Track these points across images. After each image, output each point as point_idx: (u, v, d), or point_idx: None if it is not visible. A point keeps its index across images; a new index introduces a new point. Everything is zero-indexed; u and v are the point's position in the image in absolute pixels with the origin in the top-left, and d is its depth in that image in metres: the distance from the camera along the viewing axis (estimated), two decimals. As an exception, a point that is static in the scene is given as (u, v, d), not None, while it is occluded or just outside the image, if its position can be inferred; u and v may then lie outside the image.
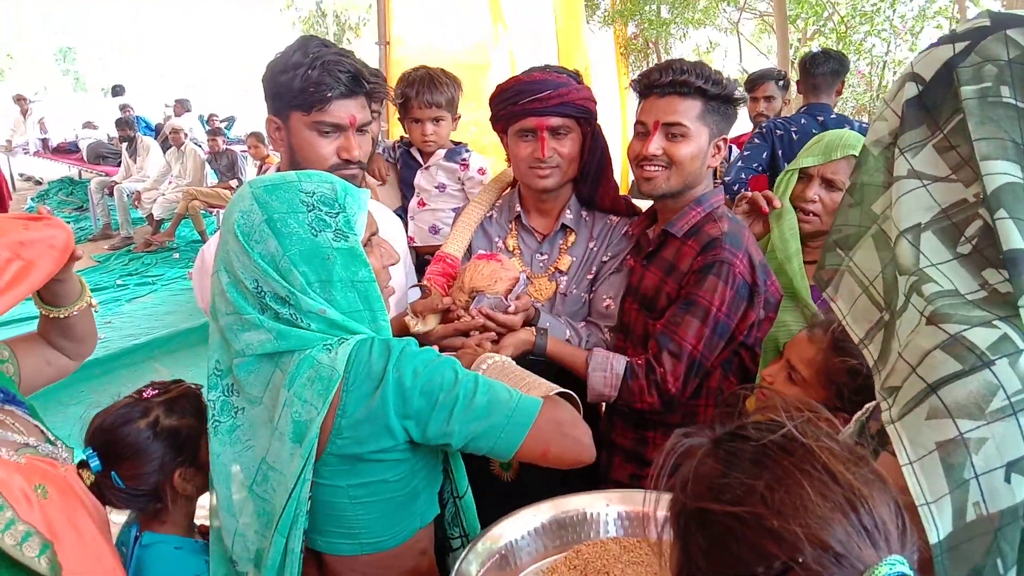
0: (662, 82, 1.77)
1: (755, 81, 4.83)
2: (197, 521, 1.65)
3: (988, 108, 0.87)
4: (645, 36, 10.51)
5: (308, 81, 1.59)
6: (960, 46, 0.92)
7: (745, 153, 3.72)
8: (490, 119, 2.02)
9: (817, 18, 9.25)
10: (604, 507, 1.48)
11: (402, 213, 2.52)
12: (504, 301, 1.81)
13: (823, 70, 3.90)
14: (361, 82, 1.66)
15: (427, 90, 2.40)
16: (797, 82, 4.11)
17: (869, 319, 1.04)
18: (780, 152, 3.72)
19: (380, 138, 2.77)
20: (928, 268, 0.92)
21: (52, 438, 1.41)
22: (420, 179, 2.49)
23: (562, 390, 1.41)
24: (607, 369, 1.78)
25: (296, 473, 1.21)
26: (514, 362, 1.60)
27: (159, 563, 1.50)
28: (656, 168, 1.81)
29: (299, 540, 1.24)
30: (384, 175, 2.55)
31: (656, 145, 1.79)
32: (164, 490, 1.50)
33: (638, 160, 1.83)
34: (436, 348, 1.39)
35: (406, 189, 2.55)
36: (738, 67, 10.78)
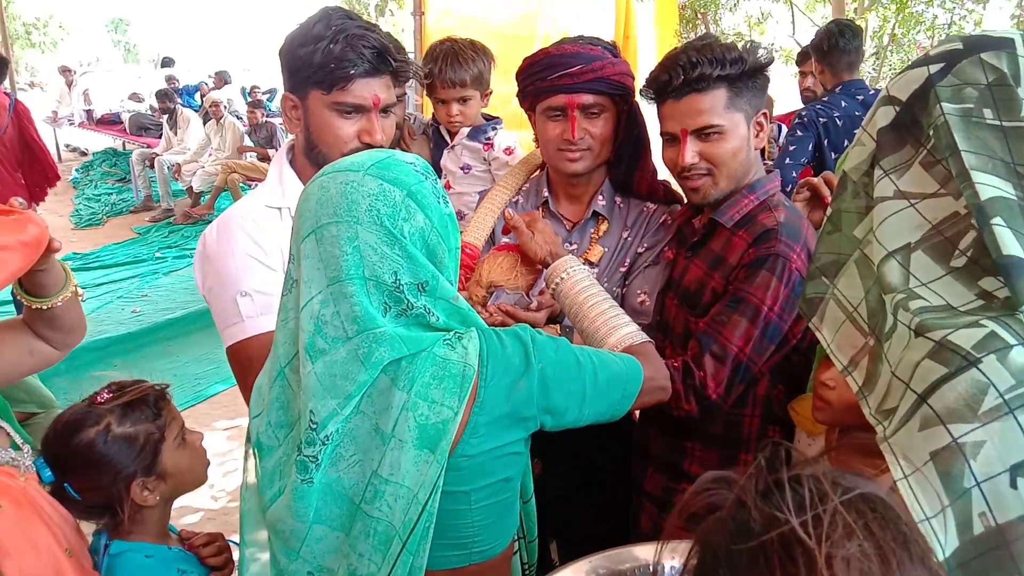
0: (675, 84, 1.58)
1: (806, 55, 4.51)
2: (182, 524, 1.54)
3: (973, 128, 0.87)
4: (694, 6, 10.15)
5: (329, 56, 1.46)
6: (936, 67, 0.92)
7: (791, 148, 3.48)
8: (516, 94, 1.85)
9: (876, -14, 8.81)
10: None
11: None
12: (525, 296, 1.66)
13: (856, 44, 3.65)
14: (387, 60, 1.52)
15: (450, 67, 2.23)
16: (816, 63, 3.79)
17: (853, 345, 1.02)
18: (826, 141, 3.50)
19: (414, 115, 2.61)
20: (917, 288, 0.90)
21: (19, 441, 1.33)
22: (446, 160, 2.33)
23: (640, 337, 1.49)
24: None
25: (431, 483, 1.08)
26: (591, 278, 1.59)
27: (128, 573, 1.41)
28: (699, 176, 1.62)
29: (426, 557, 1.12)
30: (409, 142, 2.40)
31: (691, 153, 1.60)
32: (122, 502, 1.39)
33: (677, 171, 1.65)
34: None
35: (436, 171, 2.40)
36: (791, 38, 10.36)
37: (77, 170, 11.62)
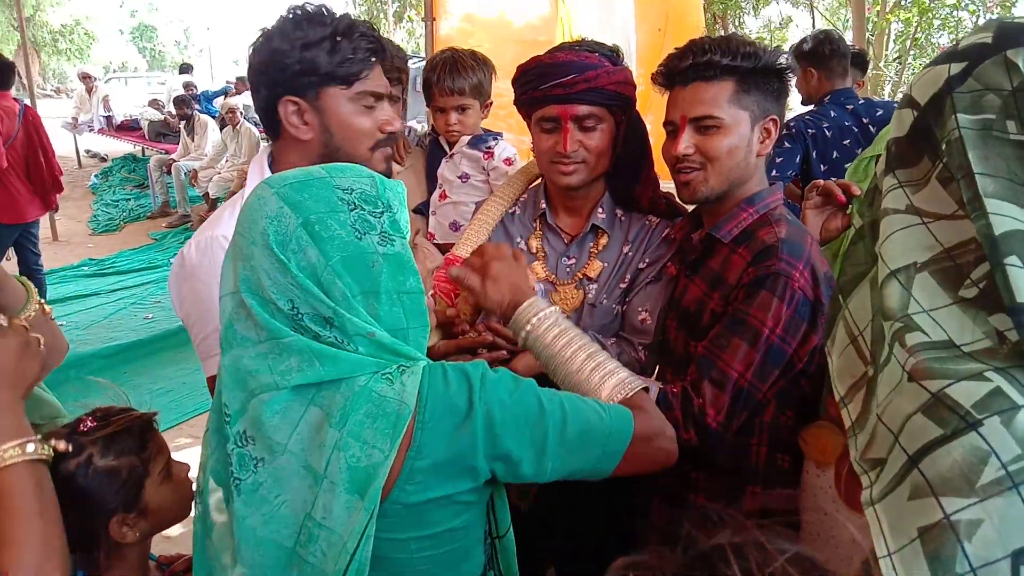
0: (682, 68, 1.49)
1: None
2: (162, 547, 1.47)
3: (993, 144, 0.74)
4: (713, 11, 10.04)
5: (343, 51, 1.44)
6: (957, 68, 0.78)
7: (777, 160, 3.37)
8: (513, 102, 1.77)
9: (898, -10, 8.64)
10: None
11: (424, 207, 2.29)
12: None
13: (846, 49, 3.55)
14: (382, 46, 1.53)
15: (449, 76, 2.16)
16: (808, 69, 3.61)
17: (853, 374, 0.89)
18: (814, 153, 3.38)
19: (410, 128, 2.54)
20: (917, 315, 0.77)
21: None
22: (444, 169, 2.25)
23: (638, 381, 1.32)
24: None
25: (359, 531, 0.99)
26: (565, 320, 1.41)
27: None
28: (691, 170, 1.53)
29: None
30: (403, 155, 2.32)
31: (686, 143, 1.51)
32: (99, 539, 1.30)
33: (672, 164, 1.56)
34: None
35: (432, 182, 2.32)
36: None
37: (96, 176, 11.71)
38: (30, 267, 5.56)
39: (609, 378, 1.32)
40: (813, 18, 10.47)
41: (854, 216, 1.74)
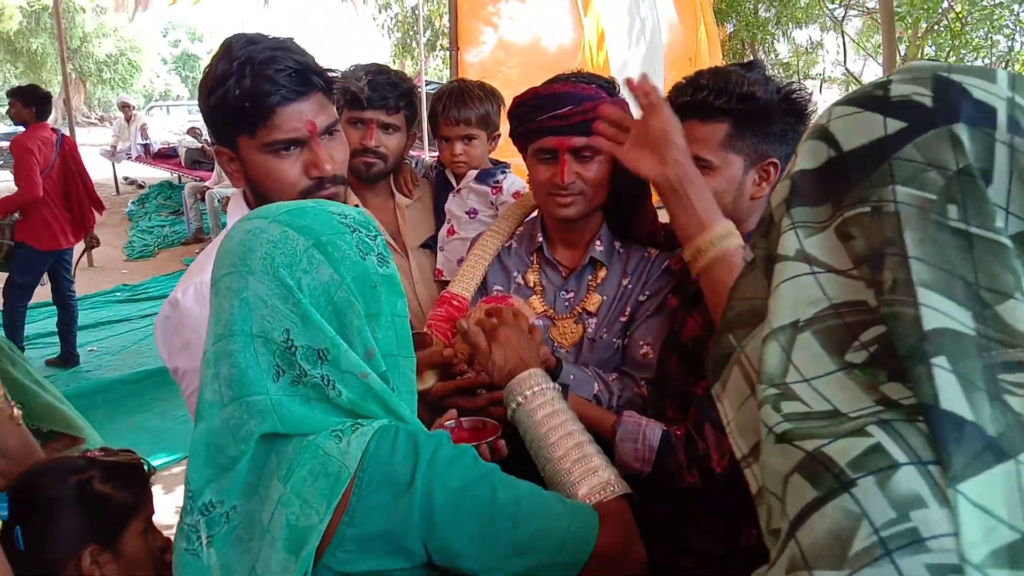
0: (679, 104, 1.46)
1: None
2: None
3: (932, 229, 0.66)
4: (742, 37, 10.00)
5: (242, 94, 1.27)
6: (894, 126, 0.69)
7: None
8: (509, 134, 1.76)
9: (929, 14, 8.50)
10: None
11: (432, 243, 2.27)
12: None
13: None
14: (308, 77, 1.33)
15: (455, 106, 2.14)
16: None
17: (756, 429, 0.77)
18: None
19: (415, 158, 2.52)
20: (797, 384, 0.69)
21: None
22: (451, 204, 2.23)
23: (621, 487, 1.22)
24: (639, 439, 1.48)
25: None
26: (561, 401, 1.34)
27: None
28: None
29: None
30: (411, 187, 2.30)
31: None
32: (67, 568, 1.28)
33: None
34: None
35: (440, 216, 2.31)
36: (841, 68, 10.13)
37: (133, 203, 11.97)
38: (63, 293, 5.67)
39: (591, 476, 1.22)
40: (844, 43, 10.40)
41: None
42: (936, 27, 8.55)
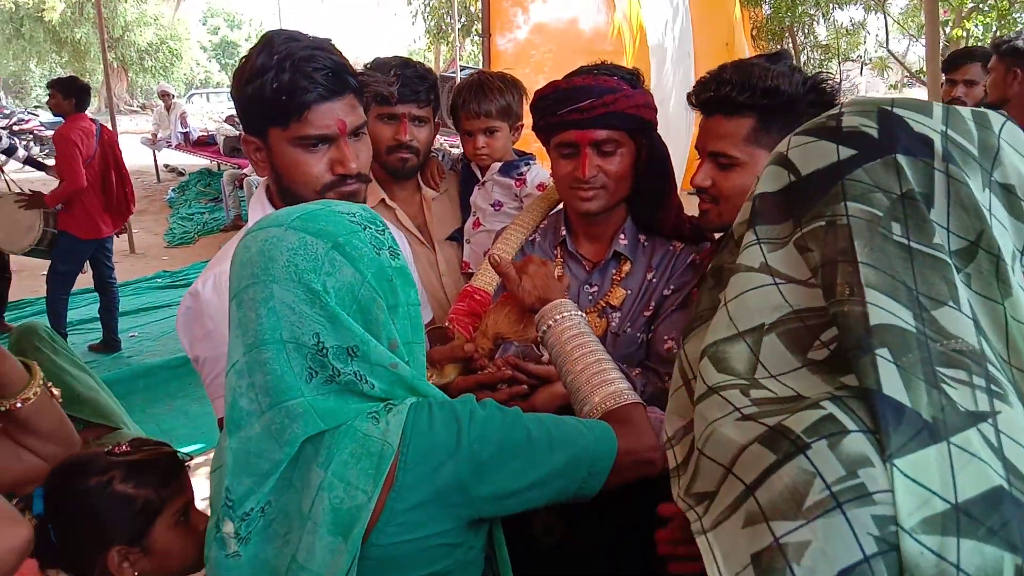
0: (703, 99, 1.46)
1: (956, 61, 4.10)
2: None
3: (879, 240, 0.77)
4: (781, 18, 9.78)
5: (279, 88, 1.32)
6: (846, 153, 0.81)
7: None
8: (531, 128, 1.75)
9: (975, -7, 8.24)
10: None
11: (459, 235, 2.27)
12: (535, 349, 1.55)
13: None
14: (344, 78, 1.38)
15: (475, 99, 2.13)
16: (1016, 68, 3.17)
17: (683, 416, 0.93)
18: None
19: (442, 151, 2.52)
20: (765, 379, 0.80)
21: None
22: (476, 197, 2.22)
23: (633, 395, 1.32)
24: (662, 435, 1.48)
25: (341, 574, 0.98)
26: (586, 325, 1.44)
27: None
28: (707, 202, 1.50)
29: None
30: (438, 180, 2.30)
31: (703, 175, 1.49)
32: (95, 566, 1.29)
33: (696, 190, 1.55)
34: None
35: (466, 208, 2.31)
36: (883, 49, 9.87)
37: (173, 190, 12.15)
38: (104, 280, 5.79)
39: (606, 386, 1.32)
40: (887, 23, 10.11)
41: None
42: (981, 6, 8.28)
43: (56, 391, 1.41)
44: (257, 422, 1.01)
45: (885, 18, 10.03)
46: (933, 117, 0.79)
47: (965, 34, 7.81)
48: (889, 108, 0.81)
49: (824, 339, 0.77)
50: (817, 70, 1.53)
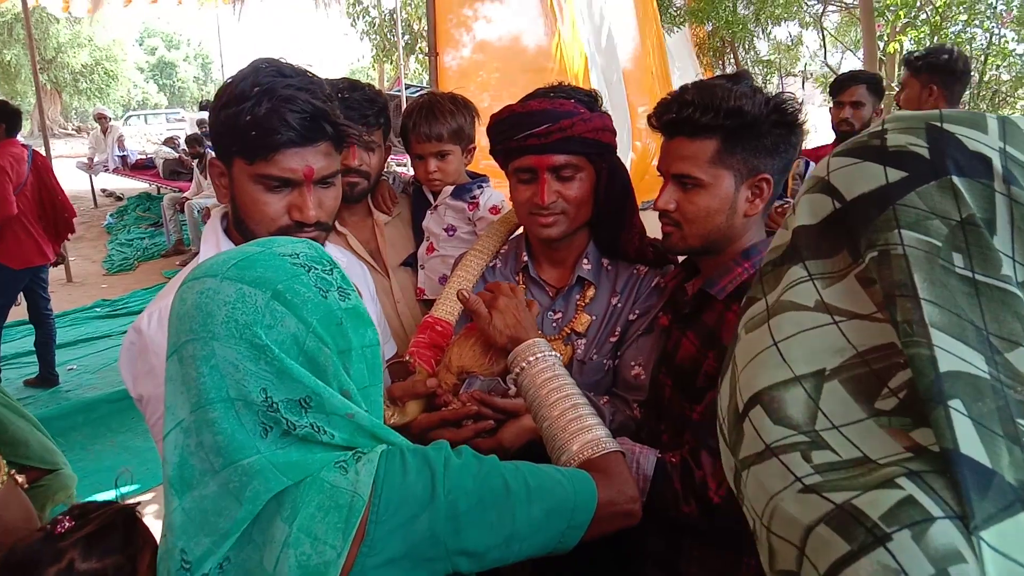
0: (665, 121, 1.42)
1: (842, 84, 4.13)
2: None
3: (940, 273, 0.67)
4: (722, 36, 9.96)
5: (253, 121, 1.26)
6: (895, 176, 0.71)
7: None
8: (489, 152, 1.69)
9: (908, 9, 8.47)
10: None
11: (413, 260, 2.20)
12: (502, 383, 1.48)
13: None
14: (322, 126, 1.31)
15: (425, 122, 2.06)
16: (931, 84, 3.29)
17: (731, 467, 0.81)
18: None
19: (393, 174, 2.44)
20: (827, 432, 0.70)
21: None
22: (429, 221, 2.15)
23: (612, 444, 1.26)
24: (632, 467, 1.42)
25: None
26: (560, 367, 1.38)
27: None
28: (669, 225, 1.45)
29: None
30: (391, 205, 2.23)
31: (666, 198, 1.44)
32: None
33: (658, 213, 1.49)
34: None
35: (419, 232, 2.23)
36: (821, 64, 10.11)
37: (111, 215, 11.80)
38: (40, 311, 5.54)
39: (584, 433, 1.27)
40: (823, 38, 10.39)
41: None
42: (915, 22, 8.55)
43: (20, 478, 1.29)
44: (212, 480, 0.94)
45: (822, 33, 10.31)
46: (989, 132, 0.70)
47: (900, 48, 8.05)
48: (938, 124, 0.72)
49: (893, 386, 0.68)
50: (758, 85, 1.50)
